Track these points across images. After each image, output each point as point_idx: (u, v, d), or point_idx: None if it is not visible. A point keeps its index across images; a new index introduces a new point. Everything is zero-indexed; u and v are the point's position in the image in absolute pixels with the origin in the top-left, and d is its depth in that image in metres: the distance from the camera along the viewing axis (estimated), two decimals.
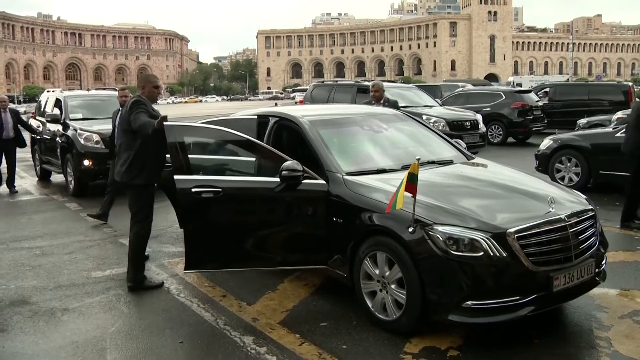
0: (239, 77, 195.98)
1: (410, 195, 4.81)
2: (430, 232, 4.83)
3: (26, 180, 15.62)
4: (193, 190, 5.75)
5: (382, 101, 10.53)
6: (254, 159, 6.32)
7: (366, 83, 17.77)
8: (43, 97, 16.26)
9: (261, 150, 6.11)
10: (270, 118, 6.95)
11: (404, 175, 4.94)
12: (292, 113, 6.84)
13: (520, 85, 54.29)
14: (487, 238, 4.72)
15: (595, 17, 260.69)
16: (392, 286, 5.09)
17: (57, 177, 14.77)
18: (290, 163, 5.64)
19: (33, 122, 15.92)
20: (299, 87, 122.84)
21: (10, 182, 13.76)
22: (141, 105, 6.44)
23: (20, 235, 9.38)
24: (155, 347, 5.14)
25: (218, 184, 5.79)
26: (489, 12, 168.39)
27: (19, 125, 13.77)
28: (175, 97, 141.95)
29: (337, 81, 22.47)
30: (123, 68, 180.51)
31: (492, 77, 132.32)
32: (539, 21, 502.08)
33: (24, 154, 18.80)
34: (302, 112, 6.92)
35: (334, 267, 5.72)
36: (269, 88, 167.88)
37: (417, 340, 5.00)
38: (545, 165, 12.04)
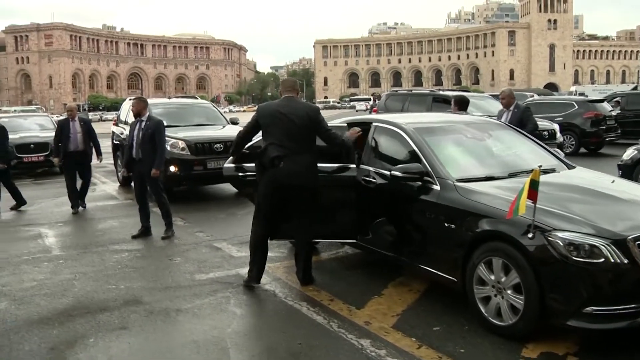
0: None
1: (530, 201, 4.88)
2: (550, 238, 4.87)
3: (108, 186, 16.08)
4: (363, 178, 6.81)
5: (511, 107, 10.64)
6: (402, 158, 6.67)
7: (441, 92, 17.75)
8: (125, 105, 16.69)
9: (407, 152, 6.57)
10: (370, 125, 7.11)
11: (513, 182, 5.09)
12: (395, 120, 6.99)
13: (583, 94, 53.17)
14: (607, 244, 4.75)
15: None
16: (509, 291, 5.13)
17: None
18: (410, 165, 6.19)
19: (115, 129, 16.44)
20: (356, 97, 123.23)
21: (81, 198, 12.55)
22: None
23: (117, 238, 9.71)
24: (276, 348, 5.29)
25: (373, 177, 6.78)
26: (549, 20, 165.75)
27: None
28: (234, 106, 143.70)
29: (411, 90, 22.50)
30: (183, 77, 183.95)
31: (551, 87, 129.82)
32: (599, 29, 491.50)
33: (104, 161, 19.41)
34: (404, 120, 7.04)
35: (444, 272, 5.80)
36: (326, 97, 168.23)
37: (533, 345, 5.04)
38: (629, 175, 11.80)
